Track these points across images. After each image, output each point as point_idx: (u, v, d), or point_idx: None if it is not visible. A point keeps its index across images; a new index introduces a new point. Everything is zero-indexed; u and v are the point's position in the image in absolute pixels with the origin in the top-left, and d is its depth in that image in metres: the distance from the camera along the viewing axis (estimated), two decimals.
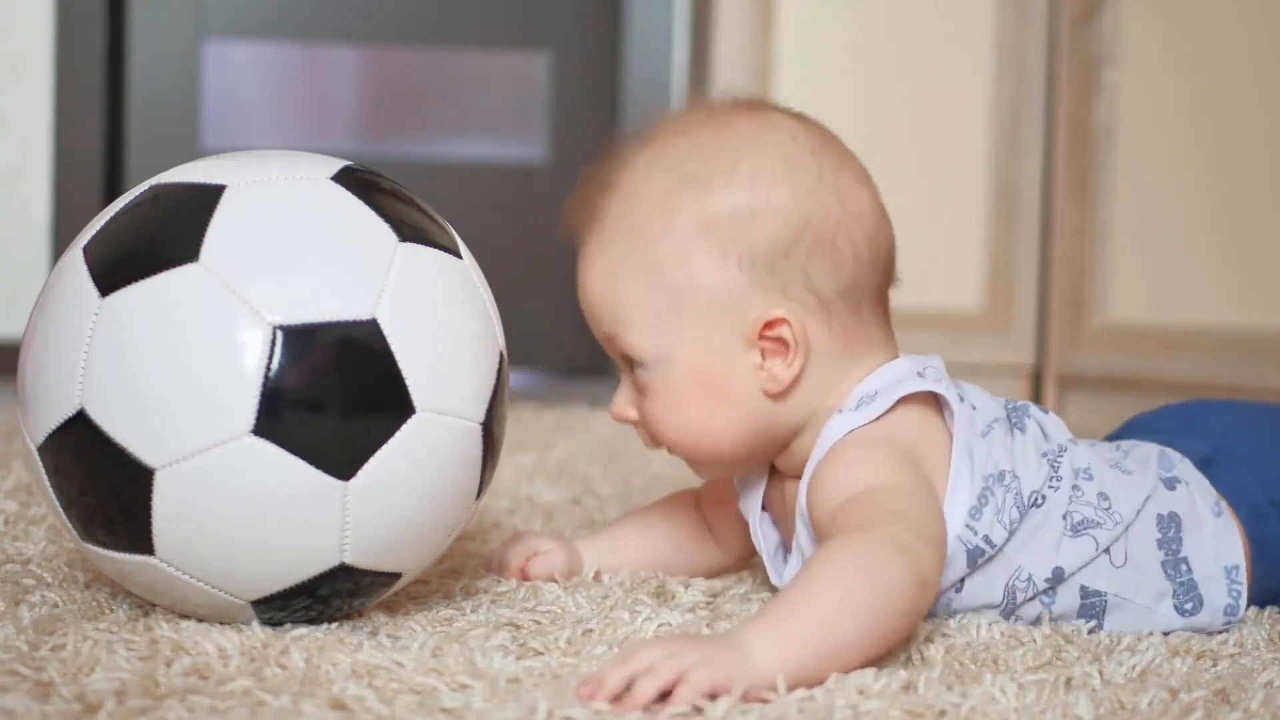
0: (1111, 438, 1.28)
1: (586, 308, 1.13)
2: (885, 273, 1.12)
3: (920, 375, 1.10)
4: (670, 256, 1.08)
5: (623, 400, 1.14)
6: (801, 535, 1.11)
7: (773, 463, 1.17)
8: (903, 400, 1.09)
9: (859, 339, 1.11)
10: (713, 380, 1.09)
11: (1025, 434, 1.13)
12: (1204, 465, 1.20)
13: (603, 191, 1.12)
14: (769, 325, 1.08)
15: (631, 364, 1.12)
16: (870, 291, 1.11)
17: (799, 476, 1.12)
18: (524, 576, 1.22)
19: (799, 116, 1.12)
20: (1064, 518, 1.11)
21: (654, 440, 1.14)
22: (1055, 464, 1.12)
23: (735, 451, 1.12)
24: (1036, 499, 1.10)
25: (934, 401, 1.11)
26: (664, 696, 0.87)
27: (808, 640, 0.92)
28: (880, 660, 0.98)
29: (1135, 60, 2.65)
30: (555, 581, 1.20)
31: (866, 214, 1.10)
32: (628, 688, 0.87)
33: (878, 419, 1.08)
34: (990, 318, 2.80)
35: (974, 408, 1.12)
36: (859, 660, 0.94)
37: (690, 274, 1.08)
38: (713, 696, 0.87)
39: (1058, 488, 1.11)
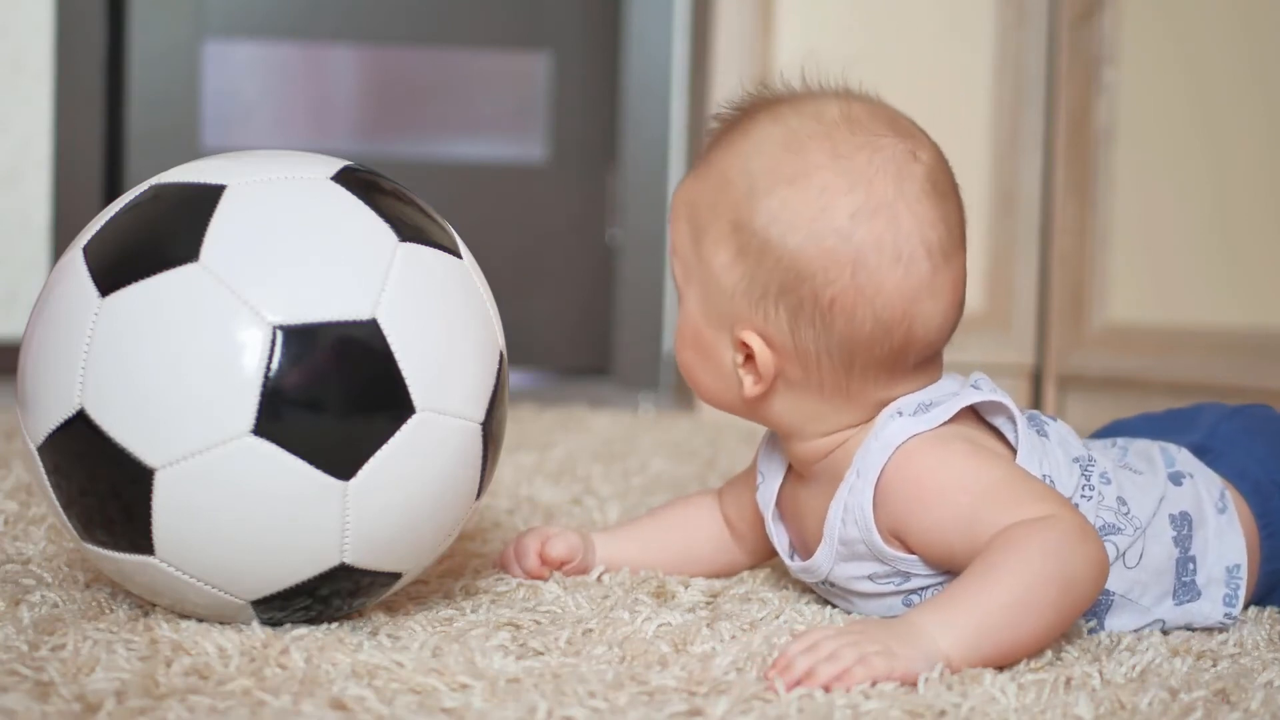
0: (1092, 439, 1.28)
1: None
2: (899, 349, 1.07)
3: (975, 387, 1.10)
4: (711, 237, 1.09)
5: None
6: (836, 529, 1.10)
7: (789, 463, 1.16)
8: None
9: (854, 394, 1.09)
10: (705, 348, 1.11)
11: (1050, 439, 1.12)
12: (1199, 453, 1.20)
13: (722, 135, 1.12)
14: (742, 344, 1.09)
15: None
16: (873, 360, 1.07)
17: (816, 475, 1.12)
18: (543, 560, 1.22)
19: (918, 156, 1.07)
20: None
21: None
22: (1087, 471, 1.12)
23: (720, 406, 1.14)
24: None
25: (975, 416, 1.11)
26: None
27: (988, 639, 0.96)
28: None
29: (1135, 60, 2.64)
30: (572, 556, 1.22)
31: (887, 294, 1.05)
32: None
33: (940, 426, 1.07)
34: (990, 317, 2.80)
35: None
36: (1036, 651, 0.99)
37: (714, 257, 1.09)
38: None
39: (1090, 497, 1.11)
